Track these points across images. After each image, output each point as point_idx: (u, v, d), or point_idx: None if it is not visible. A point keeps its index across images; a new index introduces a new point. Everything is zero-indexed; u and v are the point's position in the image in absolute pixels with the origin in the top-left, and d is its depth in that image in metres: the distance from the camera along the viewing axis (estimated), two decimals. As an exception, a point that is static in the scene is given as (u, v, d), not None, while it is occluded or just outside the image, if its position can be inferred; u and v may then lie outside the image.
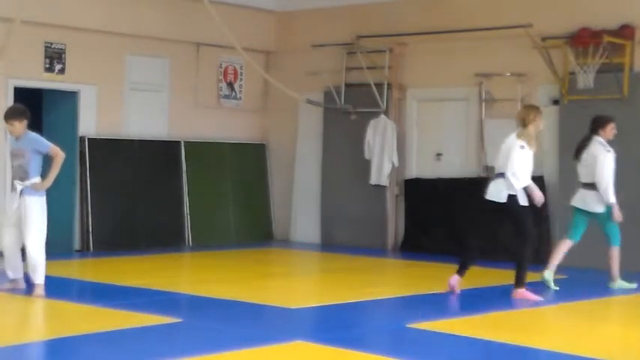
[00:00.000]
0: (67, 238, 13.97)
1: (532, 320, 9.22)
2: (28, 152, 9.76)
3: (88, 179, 14.08)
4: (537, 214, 13.53)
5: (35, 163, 9.81)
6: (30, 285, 9.82)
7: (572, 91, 13.27)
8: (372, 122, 14.99)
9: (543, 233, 13.52)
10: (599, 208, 11.06)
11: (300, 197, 16.09)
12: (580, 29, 13.13)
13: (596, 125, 11.17)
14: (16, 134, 9.82)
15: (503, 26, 13.75)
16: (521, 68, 13.87)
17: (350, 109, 15.25)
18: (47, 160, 9.95)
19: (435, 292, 10.59)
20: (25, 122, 9.83)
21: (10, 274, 10.00)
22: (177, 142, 15.29)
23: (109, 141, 14.40)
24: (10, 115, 9.84)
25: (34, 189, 9.72)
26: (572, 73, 13.24)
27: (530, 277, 12.16)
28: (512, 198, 10.16)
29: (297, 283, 11.92)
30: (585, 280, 12.05)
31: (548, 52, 13.35)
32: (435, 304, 9.96)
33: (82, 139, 14.13)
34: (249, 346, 7.56)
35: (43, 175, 9.89)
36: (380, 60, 15.05)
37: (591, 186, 11.05)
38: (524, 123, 10.29)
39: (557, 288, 10.95)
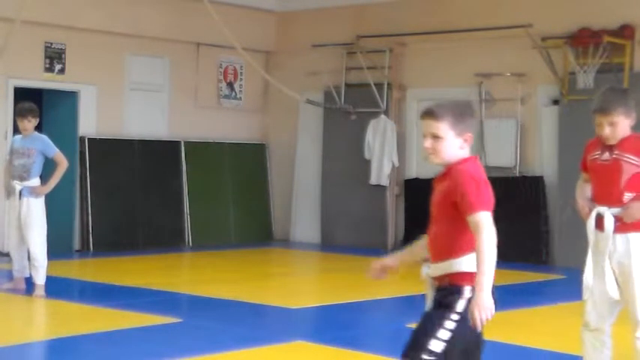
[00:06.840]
0: (67, 238, 13.96)
1: (532, 320, 9.22)
2: (35, 152, 9.77)
3: (88, 179, 14.07)
4: (537, 215, 13.63)
5: (38, 165, 9.82)
6: (30, 285, 9.83)
7: (572, 91, 13.26)
8: (372, 122, 14.98)
9: (543, 234, 13.54)
10: None
11: (300, 197, 16.07)
12: (580, 29, 13.13)
13: None
14: (30, 131, 9.86)
15: (503, 26, 13.74)
16: (521, 68, 13.86)
17: (350, 109, 15.24)
18: (47, 163, 9.96)
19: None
20: (36, 121, 9.96)
21: (17, 274, 10.02)
22: (177, 142, 15.28)
23: (109, 141, 14.39)
24: (28, 111, 9.92)
25: (32, 193, 9.72)
26: (572, 73, 13.23)
27: (531, 277, 12.18)
28: None
29: (297, 283, 11.92)
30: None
31: (548, 52, 13.35)
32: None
33: (82, 139, 14.12)
34: (249, 346, 7.56)
35: (42, 176, 9.90)
36: (380, 60, 15.05)
37: None
38: None
39: None
